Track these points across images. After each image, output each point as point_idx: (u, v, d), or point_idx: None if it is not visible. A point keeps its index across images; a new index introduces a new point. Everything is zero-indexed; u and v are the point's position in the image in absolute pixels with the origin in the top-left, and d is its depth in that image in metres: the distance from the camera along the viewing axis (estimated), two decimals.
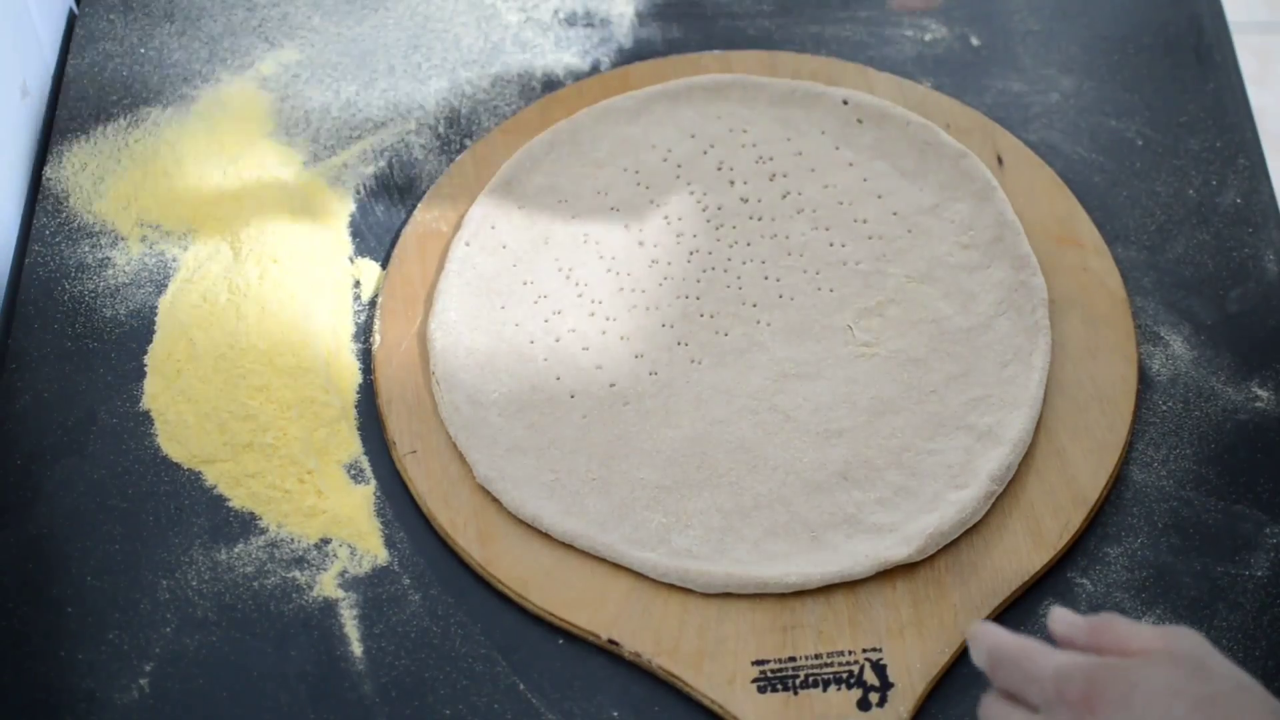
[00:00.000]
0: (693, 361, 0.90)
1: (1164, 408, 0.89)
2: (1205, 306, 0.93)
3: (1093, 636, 0.66)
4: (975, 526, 0.83)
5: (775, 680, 0.79)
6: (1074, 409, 0.88)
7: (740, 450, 0.86)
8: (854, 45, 1.06)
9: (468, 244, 0.95)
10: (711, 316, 0.92)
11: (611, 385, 0.89)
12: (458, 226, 0.96)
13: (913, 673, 0.79)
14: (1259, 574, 0.83)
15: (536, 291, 0.93)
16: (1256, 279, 0.94)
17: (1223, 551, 0.83)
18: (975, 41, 1.06)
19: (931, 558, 0.83)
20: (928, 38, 1.06)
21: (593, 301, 0.93)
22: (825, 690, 0.78)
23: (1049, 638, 0.79)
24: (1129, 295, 0.93)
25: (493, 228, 0.96)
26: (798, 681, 0.79)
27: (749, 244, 0.95)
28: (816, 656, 0.79)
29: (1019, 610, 0.82)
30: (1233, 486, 0.86)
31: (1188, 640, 0.64)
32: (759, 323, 0.91)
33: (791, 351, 0.90)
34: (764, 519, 0.84)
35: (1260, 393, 0.89)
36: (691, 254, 0.95)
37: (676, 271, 0.94)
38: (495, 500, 0.85)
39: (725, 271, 0.94)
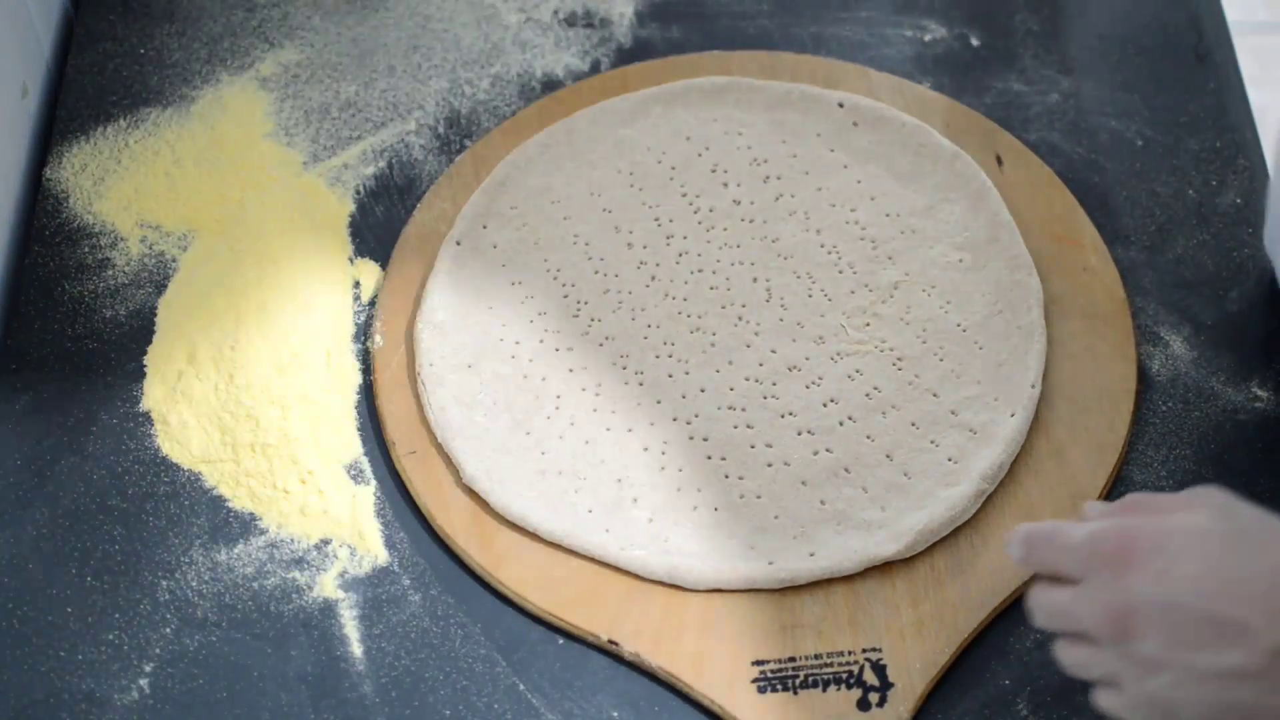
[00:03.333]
0: (679, 362, 0.90)
1: (1164, 408, 0.89)
2: (1205, 306, 0.93)
3: (1124, 512, 0.67)
4: (975, 526, 0.84)
5: (775, 680, 0.79)
6: (1074, 409, 0.88)
7: (729, 447, 0.86)
8: (854, 45, 1.06)
9: (458, 243, 0.95)
10: (699, 318, 0.92)
11: (597, 385, 0.89)
12: (451, 225, 0.96)
13: (913, 673, 0.79)
14: None
15: (524, 292, 0.93)
16: (1256, 279, 0.94)
17: None
18: (975, 41, 1.06)
19: (931, 558, 0.83)
20: (928, 38, 1.06)
21: (578, 303, 0.93)
22: (825, 690, 0.79)
23: (1046, 642, 0.79)
24: (1129, 295, 0.93)
25: (484, 227, 0.96)
26: (798, 681, 0.79)
27: (739, 246, 0.95)
28: (816, 656, 0.80)
29: (1019, 610, 0.82)
30: (1233, 486, 0.85)
31: (1209, 492, 0.65)
32: (746, 323, 0.91)
33: (781, 351, 0.90)
34: (753, 516, 0.84)
35: (1260, 393, 0.89)
36: (680, 255, 0.95)
37: (664, 273, 0.94)
38: None
39: (714, 273, 0.94)
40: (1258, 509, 0.64)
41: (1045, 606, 0.67)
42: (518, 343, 0.91)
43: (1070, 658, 0.67)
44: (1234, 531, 0.63)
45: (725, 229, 0.96)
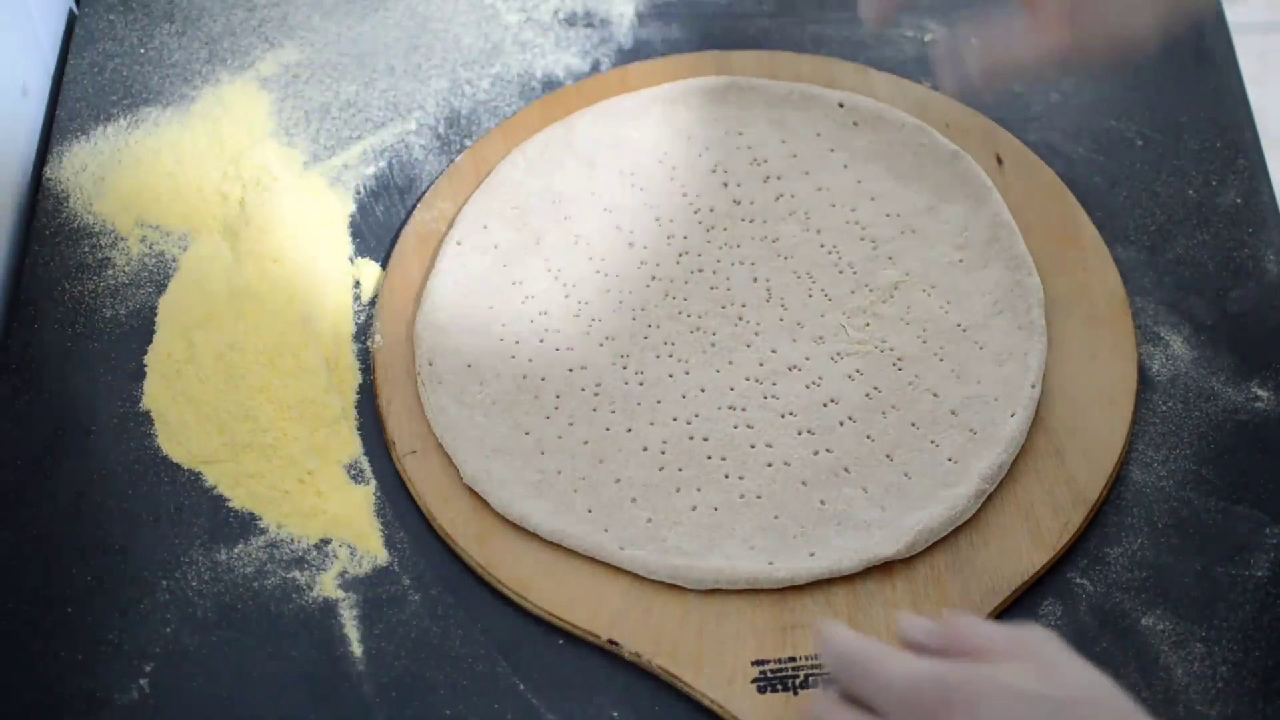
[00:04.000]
0: (679, 361, 0.90)
1: (1164, 408, 0.89)
2: (1205, 306, 0.93)
3: (943, 640, 0.65)
4: (975, 526, 0.84)
5: (775, 680, 0.79)
6: (1074, 409, 0.88)
7: (729, 447, 0.86)
8: (854, 45, 1.06)
9: (459, 243, 0.95)
10: (699, 317, 0.92)
11: (597, 385, 0.89)
12: (451, 225, 0.96)
13: None
14: (1259, 574, 0.83)
15: (524, 292, 0.94)
16: (1256, 279, 0.94)
17: (1223, 551, 0.84)
18: (975, 41, 1.06)
19: (931, 557, 0.83)
20: (928, 38, 1.06)
21: (579, 303, 0.93)
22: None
23: None
24: (1129, 295, 0.93)
25: (485, 227, 0.96)
26: (798, 681, 0.79)
27: (739, 246, 0.95)
28: (816, 656, 0.79)
29: (1019, 610, 0.82)
30: (1233, 486, 0.86)
31: (1038, 640, 0.63)
32: (746, 323, 0.91)
33: (781, 350, 0.90)
34: (753, 515, 0.84)
35: (1260, 393, 0.89)
36: (681, 255, 0.95)
37: (665, 273, 0.94)
38: None
39: (714, 273, 0.94)
40: (1085, 666, 0.62)
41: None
42: (518, 343, 0.91)
43: None
44: (1053, 702, 0.60)
45: (725, 229, 0.96)
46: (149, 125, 1.03)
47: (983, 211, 0.94)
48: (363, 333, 0.94)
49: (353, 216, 0.99)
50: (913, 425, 0.87)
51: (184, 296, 0.94)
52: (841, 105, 1.00)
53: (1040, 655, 0.63)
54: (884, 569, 0.82)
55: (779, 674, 0.79)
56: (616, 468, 0.86)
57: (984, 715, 0.60)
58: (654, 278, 0.94)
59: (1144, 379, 0.90)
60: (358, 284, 0.96)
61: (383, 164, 1.01)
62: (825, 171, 0.98)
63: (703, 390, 0.89)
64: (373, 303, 0.95)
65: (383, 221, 0.99)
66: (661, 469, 0.86)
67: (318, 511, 0.86)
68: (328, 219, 0.98)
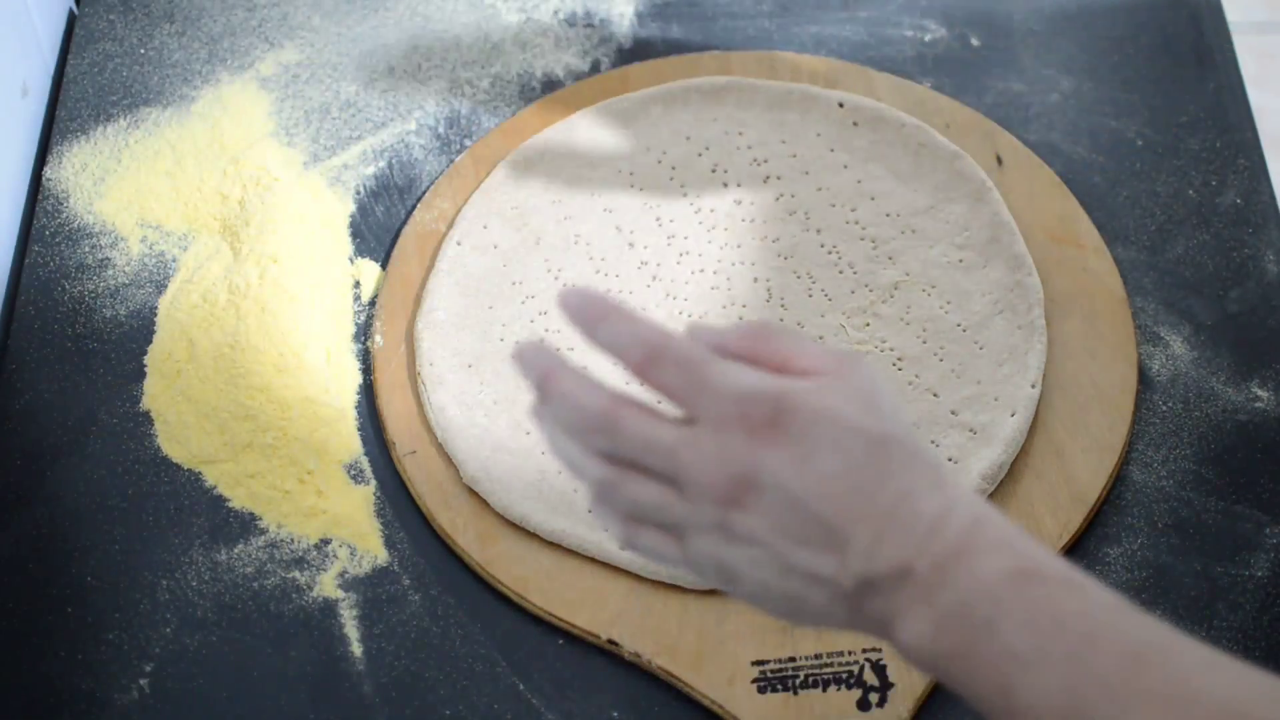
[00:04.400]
0: None
1: (1164, 408, 0.89)
2: (1205, 306, 0.93)
3: (755, 347, 0.60)
4: None
5: (775, 680, 0.79)
6: (1074, 409, 0.88)
7: None
8: (854, 45, 1.06)
9: (459, 243, 0.95)
10: (699, 318, 0.92)
11: None
12: (451, 225, 0.96)
13: (913, 672, 0.79)
14: (1259, 574, 0.83)
15: (524, 292, 0.93)
16: (1256, 279, 0.94)
17: (1223, 551, 0.83)
18: (975, 41, 1.06)
19: None
20: (928, 38, 1.06)
21: None
22: (825, 690, 0.78)
23: None
24: (1129, 295, 0.93)
25: (485, 227, 0.96)
26: (798, 681, 0.79)
27: (739, 246, 0.95)
28: (816, 657, 0.79)
29: None
30: (1233, 486, 0.86)
31: (861, 371, 0.59)
32: None
33: None
34: None
35: (1260, 393, 0.89)
36: (681, 255, 0.95)
37: (665, 273, 0.94)
38: None
39: (714, 273, 0.94)
40: (897, 405, 0.59)
41: (625, 433, 0.59)
42: (518, 343, 0.91)
43: (632, 492, 0.59)
44: (877, 437, 0.57)
45: (725, 229, 0.96)
46: (149, 125, 1.03)
47: (983, 211, 0.94)
48: (363, 333, 0.94)
49: (353, 216, 0.99)
50: (913, 425, 0.87)
51: (184, 296, 0.94)
52: (841, 105, 1.00)
53: (864, 388, 0.59)
54: None
55: (779, 674, 0.79)
56: None
57: (813, 441, 0.57)
58: (654, 278, 0.94)
59: (1144, 379, 0.90)
60: (358, 284, 0.96)
61: (383, 164, 1.01)
62: (825, 171, 0.98)
63: None
64: (373, 303, 0.95)
65: (383, 221, 0.99)
66: None
67: (318, 511, 0.86)
68: (328, 219, 0.98)
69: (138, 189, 0.99)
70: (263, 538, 0.85)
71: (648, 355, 0.59)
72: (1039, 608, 0.55)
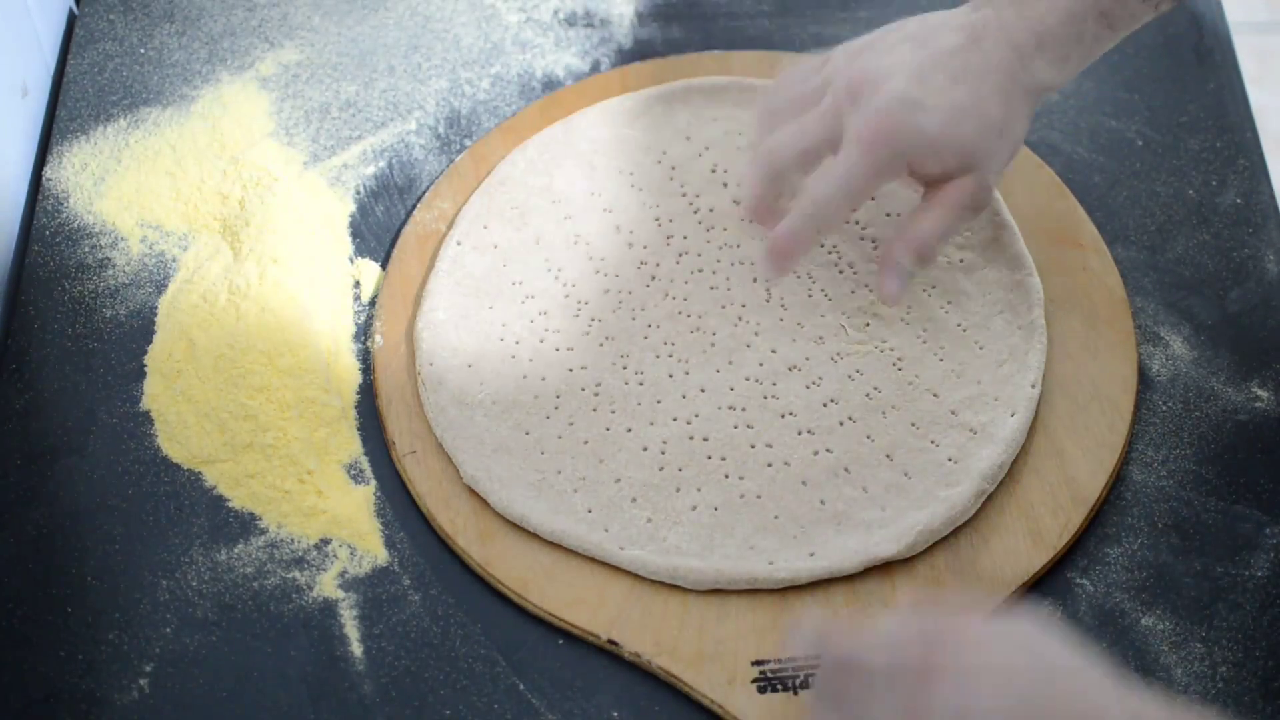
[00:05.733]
0: (679, 362, 0.90)
1: (1164, 408, 0.89)
2: (1205, 306, 0.93)
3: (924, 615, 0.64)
4: (974, 526, 0.84)
5: (775, 680, 0.79)
6: (1074, 409, 0.88)
7: (728, 447, 0.86)
8: None
9: (459, 243, 0.95)
10: (699, 317, 0.92)
11: (597, 385, 0.89)
12: (451, 225, 0.96)
13: None
14: (1259, 574, 0.83)
15: (524, 292, 0.94)
16: (1256, 279, 0.94)
17: (1223, 551, 0.84)
18: None
19: (931, 557, 0.83)
20: None
21: (579, 303, 0.93)
22: None
23: None
24: (1129, 295, 0.93)
25: (485, 227, 0.96)
26: (798, 681, 0.79)
27: (739, 246, 0.95)
28: (816, 656, 0.79)
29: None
30: (1233, 486, 0.86)
31: (1026, 625, 0.62)
32: (746, 323, 0.91)
33: (781, 350, 0.90)
34: (753, 515, 0.84)
35: (1260, 393, 0.89)
36: (681, 255, 0.95)
37: (664, 273, 0.94)
38: None
39: (714, 274, 0.94)
40: (1073, 647, 0.61)
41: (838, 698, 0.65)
42: (518, 343, 0.91)
43: None
44: (1044, 670, 0.60)
45: (725, 229, 0.96)
46: (149, 125, 1.03)
47: (983, 211, 0.94)
48: (363, 333, 0.94)
49: (353, 216, 0.99)
50: (913, 425, 0.87)
51: (184, 296, 0.94)
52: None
53: (1029, 636, 0.62)
54: (884, 569, 0.82)
55: (779, 674, 0.79)
56: (616, 467, 0.86)
57: (972, 668, 0.60)
58: (654, 278, 0.94)
59: (1144, 379, 0.90)
60: (358, 284, 0.96)
61: (383, 164, 1.01)
62: None
63: (703, 390, 0.89)
64: (373, 303, 0.95)
65: (383, 221, 0.99)
66: (661, 469, 0.86)
67: (318, 511, 0.86)
68: (328, 219, 0.98)
69: (138, 189, 0.99)
70: (263, 538, 0.85)
71: (821, 638, 0.66)
72: None
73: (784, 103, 0.87)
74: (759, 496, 0.85)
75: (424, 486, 0.86)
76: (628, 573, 0.83)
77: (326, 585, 0.84)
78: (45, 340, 0.93)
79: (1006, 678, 0.59)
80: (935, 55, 0.82)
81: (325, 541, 0.85)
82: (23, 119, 1.03)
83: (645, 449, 0.87)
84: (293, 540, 0.85)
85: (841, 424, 0.87)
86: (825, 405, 0.88)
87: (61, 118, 1.03)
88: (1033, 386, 0.87)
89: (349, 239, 0.98)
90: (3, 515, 0.86)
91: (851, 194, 0.83)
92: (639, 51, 1.07)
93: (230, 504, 0.86)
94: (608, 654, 0.81)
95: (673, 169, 0.99)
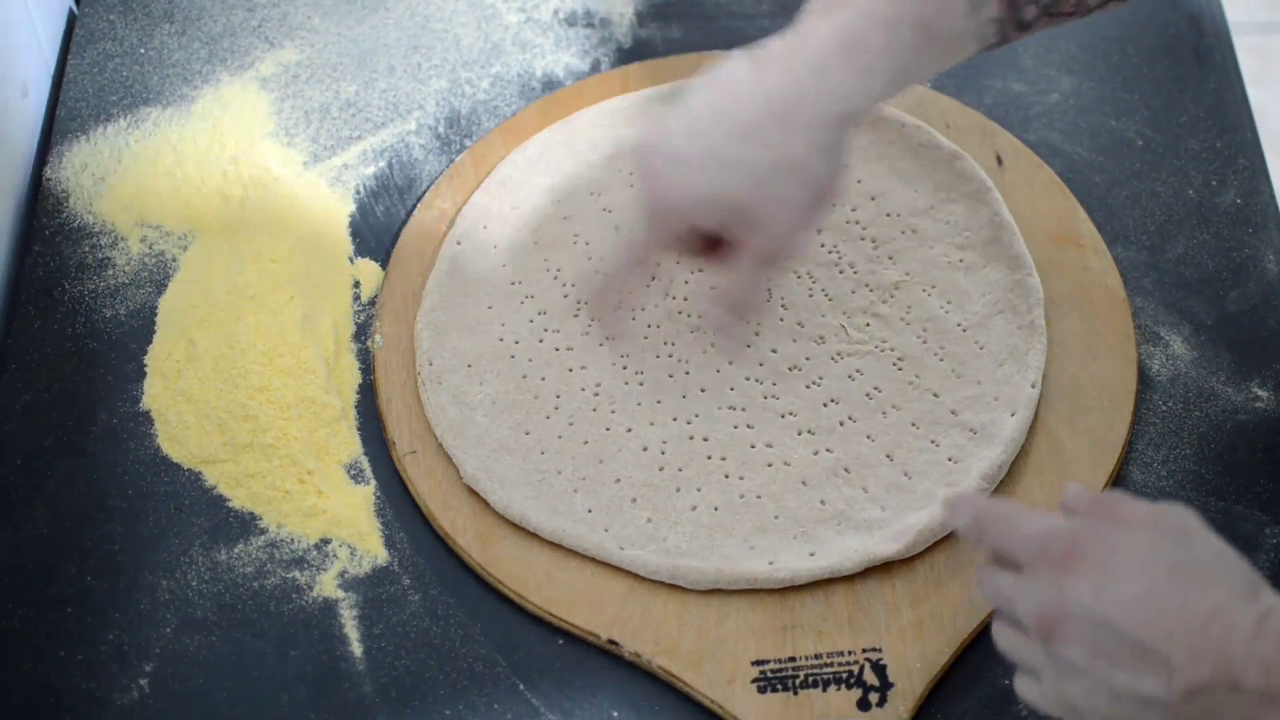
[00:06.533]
0: (679, 362, 0.90)
1: (1164, 408, 0.89)
2: (1205, 306, 0.93)
3: (1093, 508, 0.67)
4: None
5: (775, 680, 0.79)
6: (1074, 409, 0.88)
7: (729, 447, 0.86)
8: None
9: (459, 243, 0.95)
10: (699, 317, 0.92)
11: (597, 385, 0.89)
12: (451, 225, 0.96)
13: (913, 673, 0.79)
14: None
15: (524, 292, 0.94)
16: (1256, 279, 0.94)
17: None
18: None
19: (931, 558, 0.83)
20: None
21: (578, 303, 0.93)
22: (825, 690, 0.78)
23: None
24: (1129, 295, 0.93)
25: (485, 227, 0.96)
26: (798, 681, 0.79)
27: None
28: (816, 656, 0.79)
29: None
30: (1233, 486, 0.86)
31: (1178, 514, 0.65)
32: (747, 323, 0.91)
33: (781, 350, 0.90)
34: (753, 515, 0.84)
35: (1260, 393, 0.89)
36: (681, 255, 0.95)
37: (664, 273, 0.94)
38: None
39: (714, 273, 0.94)
40: (1218, 540, 0.64)
41: (989, 585, 0.68)
42: (518, 343, 0.91)
43: (1003, 641, 0.68)
44: (1182, 564, 0.63)
45: None
46: (149, 125, 1.03)
47: (983, 211, 0.94)
48: (363, 333, 0.94)
49: (353, 216, 0.99)
50: (913, 425, 0.87)
51: (184, 296, 0.94)
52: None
53: (1176, 526, 0.65)
54: (884, 569, 0.82)
55: (779, 674, 0.79)
56: (616, 468, 0.86)
57: (1112, 570, 0.63)
58: (653, 277, 0.94)
59: (1144, 379, 0.90)
60: (358, 284, 0.96)
61: (383, 164, 1.01)
62: None
63: (703, 390, 0.89)
64: (373, 303, 0.95)
65: (383, 221, 0.99)
66: (661, 469, 0.86)
67: (318, 511, 0.86)
68: (328, 219, 0.98)
69: (138, 189, 0.99)
70: (263, 538, 0.85)
71: (980, 524, 0.69)
72: None
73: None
74: (759, 496, 0.85)
75: (424, 486, 0.86)
76: (628, 573, 0.83)
77: (326, 585, 0.84)
78: (45, 340, 0.93)
79: (1144, 571, 0.62)
80: (713, 102, 0.75)
81: (325, 541, 0.85)
82: (23, 119, 1.03)
83: (645, 449, 0.87)
84: (293, 540, 0.85)
85: (842, 424, 0.87)
86: (825, 405, 0.88)
87: (61, 118, 1.03)
88: (1033, 386, 0.87)
89: (349, 239, 0.98)
90: (3, 515, 0.86)
91: (634, 260, 0.82)
92: (639, 51, 1.07)
93: (230, 504, 0.86)
94: (608, 654, 0.81)
95: None
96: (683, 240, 0.79)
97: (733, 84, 0.75)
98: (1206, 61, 1.04)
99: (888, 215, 0.96)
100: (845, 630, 0.80)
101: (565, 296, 0.93)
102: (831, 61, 0.73)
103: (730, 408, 0.88)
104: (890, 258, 0.94)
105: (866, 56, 0.73)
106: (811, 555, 0.82)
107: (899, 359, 0.90)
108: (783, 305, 0.92)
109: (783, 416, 0.88)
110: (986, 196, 0.95)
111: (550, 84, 1.05)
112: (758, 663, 0.80)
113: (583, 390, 0.89)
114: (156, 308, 0.94)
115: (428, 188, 0.99)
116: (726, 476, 0.86)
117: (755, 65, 0.75)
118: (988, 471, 0.84)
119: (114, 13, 1.09)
